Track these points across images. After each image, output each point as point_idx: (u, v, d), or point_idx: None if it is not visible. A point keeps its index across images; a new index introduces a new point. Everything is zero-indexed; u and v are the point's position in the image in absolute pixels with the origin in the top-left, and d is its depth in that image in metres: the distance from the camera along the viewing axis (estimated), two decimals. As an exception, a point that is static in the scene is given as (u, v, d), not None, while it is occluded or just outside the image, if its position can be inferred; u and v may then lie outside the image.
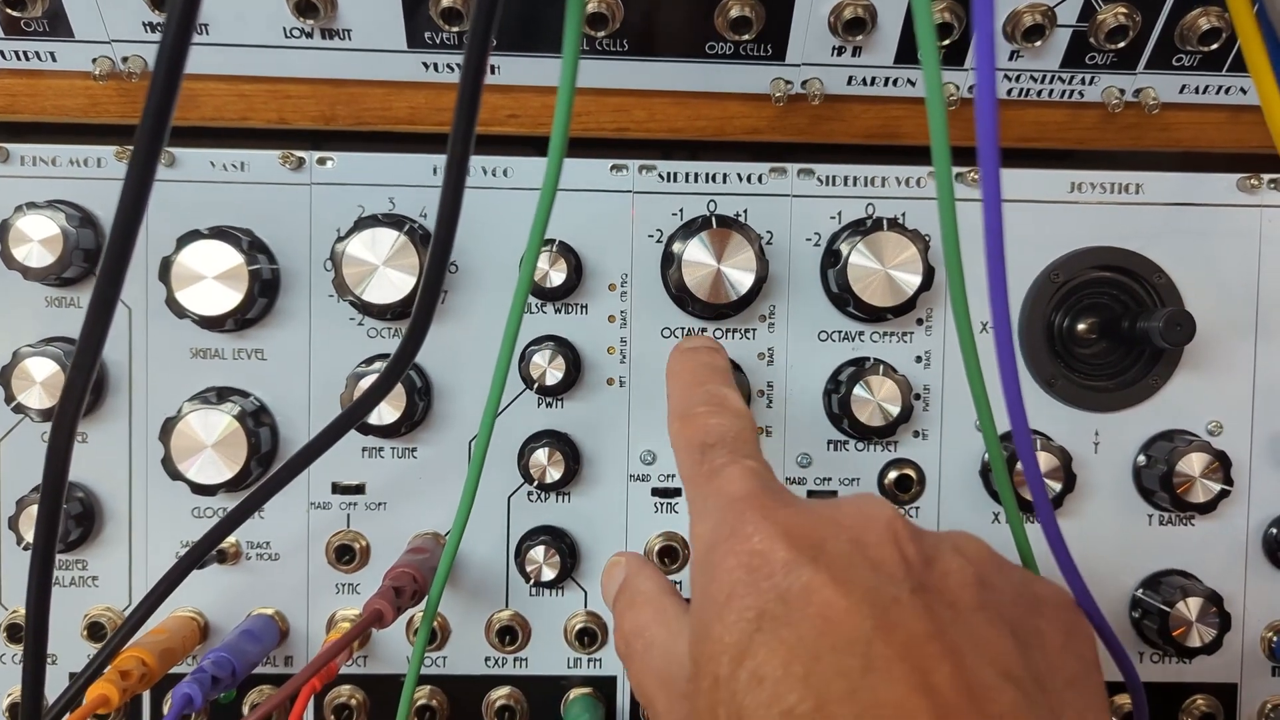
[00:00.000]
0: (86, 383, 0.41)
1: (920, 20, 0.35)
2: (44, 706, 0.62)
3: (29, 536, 0.64)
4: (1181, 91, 0.65)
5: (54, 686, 0.67)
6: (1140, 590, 0.69)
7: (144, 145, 0.35)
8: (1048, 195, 0.67)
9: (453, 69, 0.64)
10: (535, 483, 0.65)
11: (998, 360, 0.40)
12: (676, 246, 0.64)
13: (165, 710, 0.66)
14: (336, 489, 0.67)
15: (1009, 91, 0.65)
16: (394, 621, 0.57)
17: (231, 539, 0.67)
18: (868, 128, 0.67)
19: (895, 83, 0.65)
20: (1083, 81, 0.64)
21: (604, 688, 0.69)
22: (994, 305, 0.38)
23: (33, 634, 0.47)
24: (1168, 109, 0.66)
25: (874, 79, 0.64)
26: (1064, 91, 0.65)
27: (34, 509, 0.64)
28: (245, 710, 0.68)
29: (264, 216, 0.66)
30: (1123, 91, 0.64)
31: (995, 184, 0.36)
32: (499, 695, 0.68)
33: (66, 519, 0.64)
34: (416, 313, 0.46)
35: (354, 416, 0.52)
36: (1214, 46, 0.62)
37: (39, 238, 0.62)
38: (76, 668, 0.67)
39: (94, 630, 0.66)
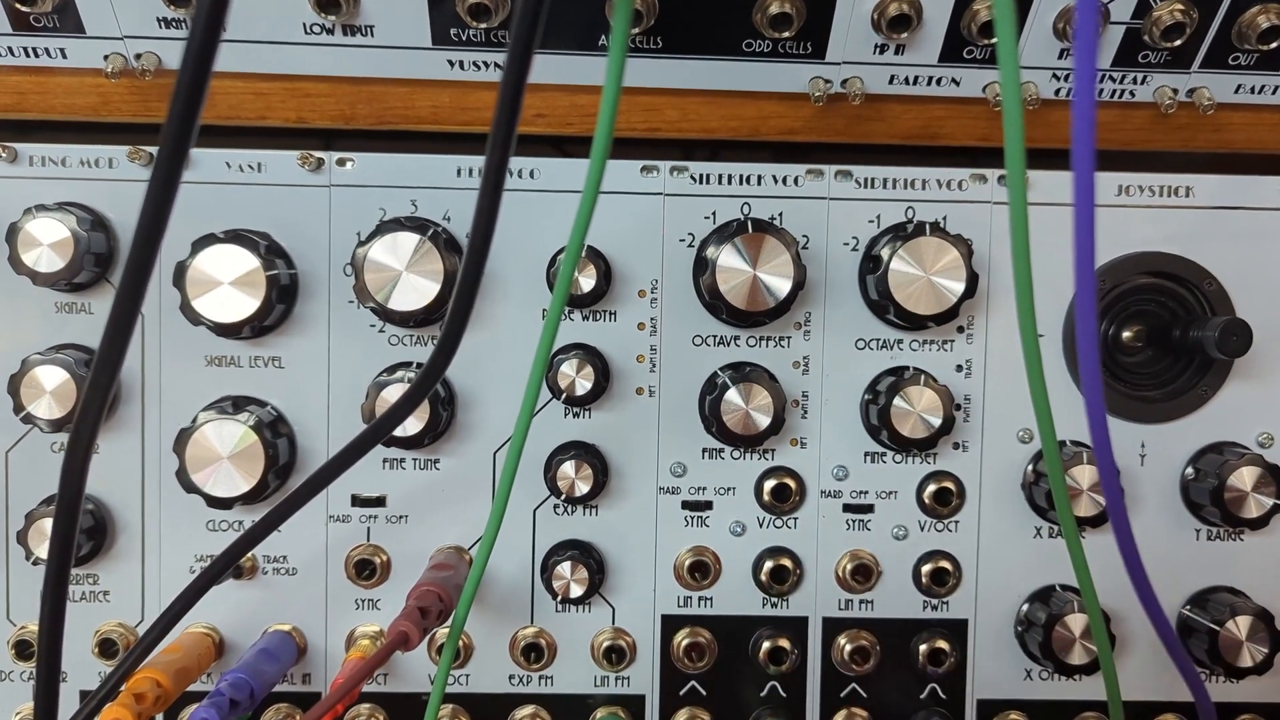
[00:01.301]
0: (103, 404, 0.39)
1: (1001, 21, 0.33)
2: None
3: (38, 551, 0.62)
4: (1236, 91, 0.63)
5: (65, 705, 0.65)
6: (1187, 608, 0.66)
7: (168, 151, 0.33)
8: (1095, 198, 0.65)
9: (479, 67, 0.61)
10: (563, 496, 0.63)
11: (1081, 372, 0.38)
12: (710, 251, 0.61)
13: (180, 732, 0.64)
14: (356, 501, 0.65)
15: (1056, 91, 0.63)
16: (420, 644, 0.54)
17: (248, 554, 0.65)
18: (909, 129, 0.64)
19: (939, 82, 0.62)
20: (1134, 81, 0.62)
21: (632, 706, 0.67)
22: (1081, 314, 0.36)
23: (45, 657, 0.45)
24: (1221, 109, 0.63)
25: (917, 78, 0.62)
26: (1115, 91, 0.63)
27: (44, 523, 0.62)
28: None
29: (282, 219, 0.63)
30: (1176, 91, 0.62)
31: (1089, 185, 0.33)
32: (523, 714, 0.66)
33: (78, 532, 0.62)
34: (449, 324, 0.44)
35: (380, 431, 0.50)
36: (1274, 45, 0.59)
37: (49, 241, 0.60)
38: (87, 685, 0.65)
39: (105, 647, 0.64)
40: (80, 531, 0.62)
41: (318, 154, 0.63)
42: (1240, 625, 0.64)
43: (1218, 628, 0.64)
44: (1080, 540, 0.47)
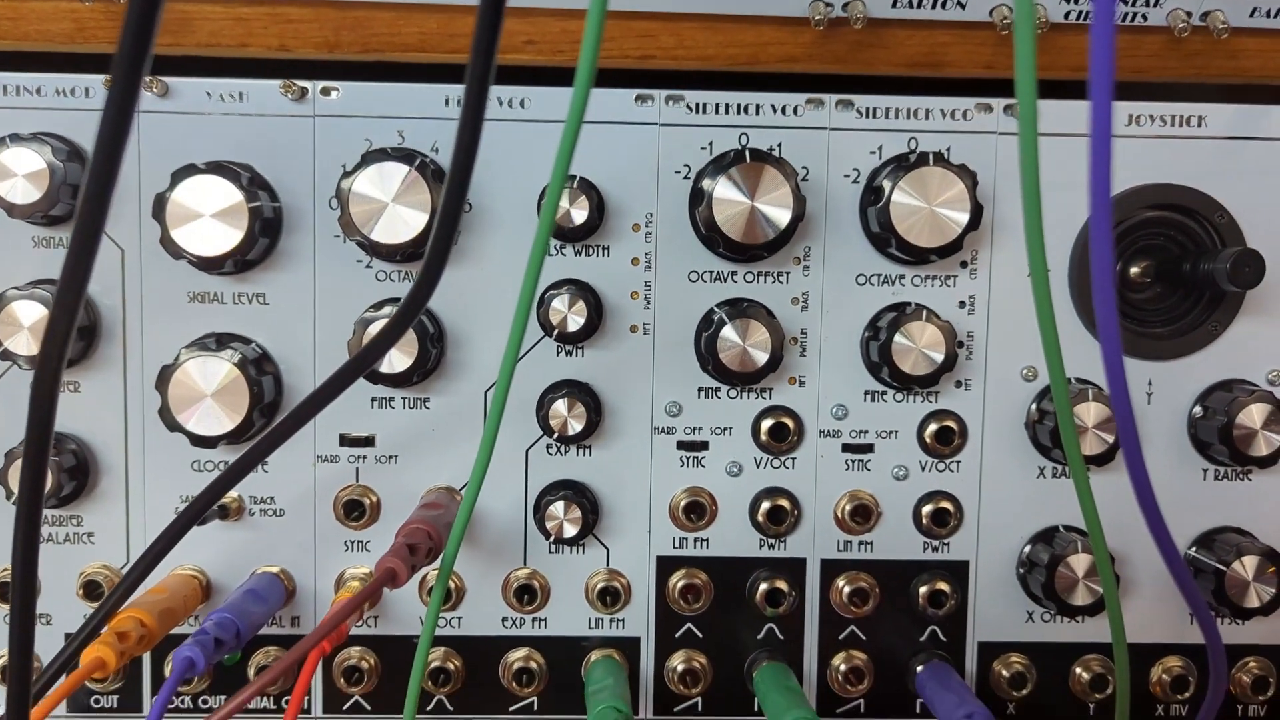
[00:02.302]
0: (73, 314, 0.37)
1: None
2: (36, 669, 0.60)
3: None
4: (1252, 15, 0.60)
5: (49, 648, 0.64)
6: (1193, 549, 0.65)
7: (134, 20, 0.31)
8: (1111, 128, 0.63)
9: (466, -11, 0.59)
10: (555, 435, 0.62)
11: (1097, 307, 0.36)
12: (706, 183, 0.60)
13: (166, 674, 0.63)
14: (345, 441, 0.64)
15: (1066, 15, 0.60)
16: (408, 581, 0.53)
17: (234, 494, 0.63)
18: (912, 56, 0.62)
19: (943, 5, 0.60)
20: (1147, 3, 0.60)
21: (627, 649, 0.66)
22: (1095, 246, 0.34)
23: (19, 589, 0.44)
24: (1236, 35, 0.61)
25: (920, 1, 0.60)
26: (1126, 15, 0.60)
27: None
28: (251, 674, 0.65)
29: (265, 151, 0.61)
30: (1189, 14, 0.60)
31: (1107, 109, 0.32)
32: (517, 657, 0.65)
33: (59, 472, 0.61)
34: (431, 251, 0.42)
35: (364, 363, 0.49)
36: (1291, -36, 0.57)
37: (24, 172, 0.58)
38: (72, 628, 0.63)
39: (90, 589, 0.63)
40: (62, 471, 0.61)
41: (301, 83, 0.61)
42: (1247, 565, 0.62)
43: (1224, 568, 0.63)
44: (1088, 478, 0.45)
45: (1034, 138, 0.36)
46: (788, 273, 0.63)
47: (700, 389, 0.64)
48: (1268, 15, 0.60)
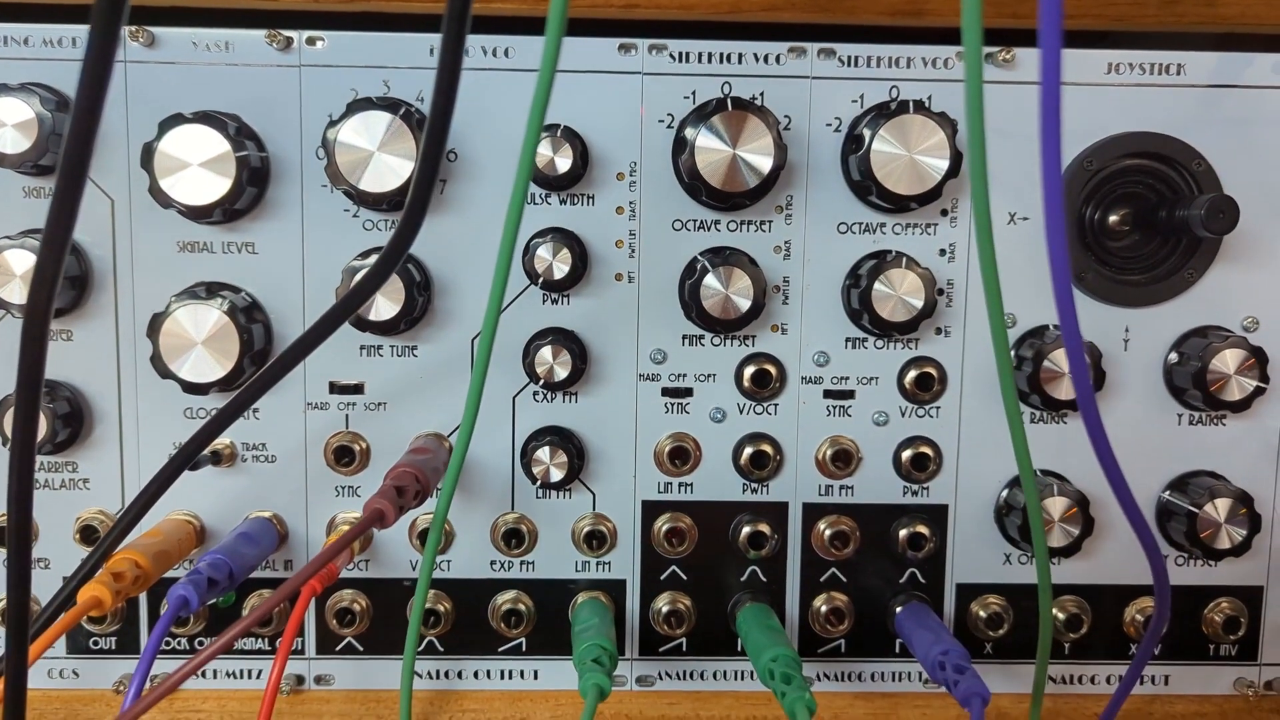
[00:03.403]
0: (60, 258, 0.38)
1: None
2: (35, 611, 0.61)
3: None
4: (1231, -40, 0.61)
5: (47, 591, 0.65)
6: (1167, 493, 0.66)
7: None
8: (1083, 77, 0.63)
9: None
10: (541, 382, 0.63)
11: (1049, 249, 0.37)
12: (689, 132, 0.60)
13: (161, 613, 0.65)
14: (334, 389, 0.65)
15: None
16: (396, 522, 0.54)
17: (226, 440, 0.64)
18: (893, 4, 0.62)
19: (924, -48, 0.60)
20: (1125, -50, 0.60)
21: (613, 591, 0.67)
22: (1047, 190, 0.35)
23: (15, 529, 0.45)
24: (1215, -19, 0.61)
25: (901, -52, 0.60)
26: (1105, -38, 0.61)
27: (19, 408, 0.61)
28: (245, 614, 0.66)
29: (251, 101, 0.62)
30: (1168, -39, 0.60)
31: (1056, 56, 0.32)
32: (505, 599, 0.67)
33: (54, 419, 0.62)
34: (413, 193, 0.43)
35: (350, 306, 0.49)
36: (1270, -91, 0.57)
37: (12, 122, 0.59)
38: (70, 572, 0.65)
39: (86, 534, 0.64)
40: (57, 418, 0.62)
41: (287, 32, 0.61)
42: (1219, 507, 0.64)
43: (1197, 510, 0.64)
44: (1023, 427, 0.45)
45: (979, 88, 0.37)
46: (770, 221, 0.64)
47: (684, 336, 0.65)
48: (1246, -38, 0.61)
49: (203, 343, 0.60)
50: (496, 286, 0.48)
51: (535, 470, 0.63)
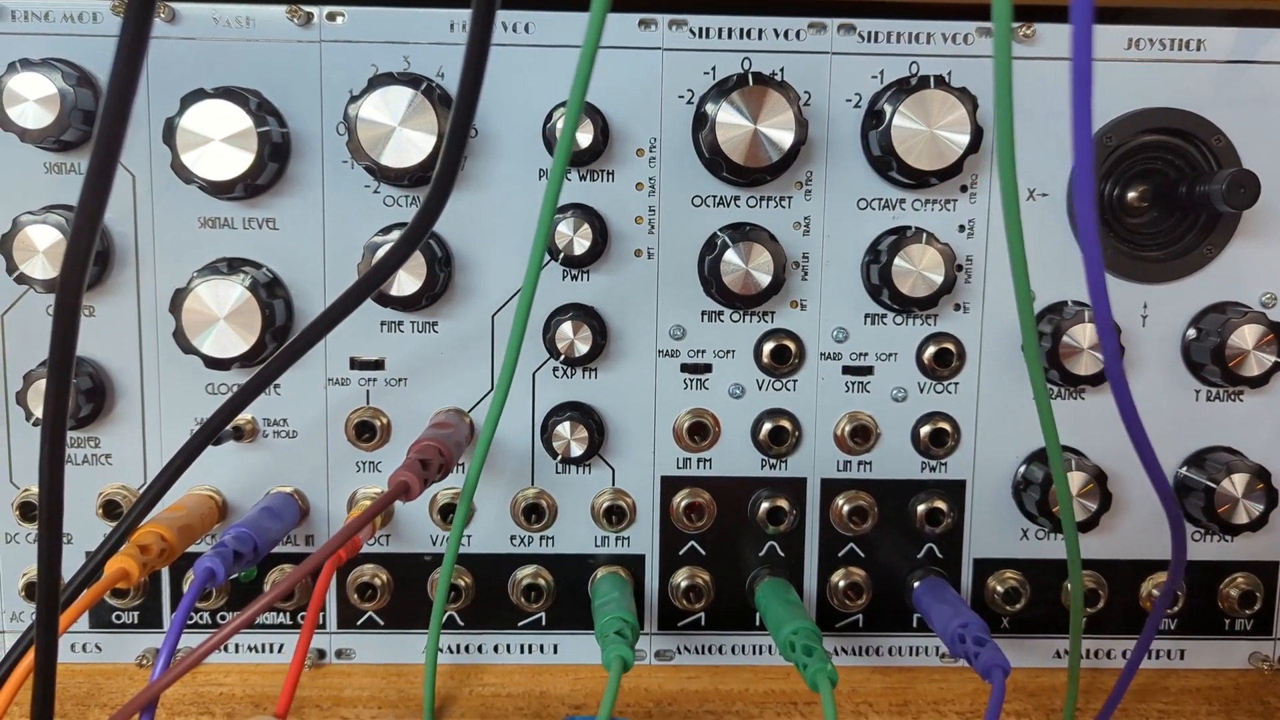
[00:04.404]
0: (92, 237, 0.38)
1: None
2: (61, 584, 0.61)
3: (38, 411, 0.62)
4: (1253, -65, 0.61)
5: (71, 565, 0.65)
6: (1185, 468, 0.67)
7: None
8: (1102, 53, 0.63)
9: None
10: (561, 357, 0.63)
11: (1079, 226, 0.37)
12: (709, 107, 0.60)
13: (185, 587, 0.65)
14: (355, 364, 0.65)
15: (1067, -63, 0.60)
16: (420, 495, 0.55)
17: (248, 415, 0.65)
18: (914, -23, 0.63)
19: (946, -73, 0.60)
20: (1147, -77, 0.60)
21: (632, 566, 0.68)
22: (1079, 162, 0.35)
23: (47, 505, 0.45)
24: (1236, -44, 0.61)
25: (923, -77, 0.60)
26: (1126, -65, 0.61)
27: (42, 383, 0.61)
28: (267, 589, 0.66)
29: (272, 76, 0.62)
30: (1190, -65, 0.60)
31: (1087, 32, 0.32)
32: (525, 574, 0.67)
33: (77, 394, 0.62)
34: (439, 171, 0.43)
35: (372, 282, 0.50)
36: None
37: (35, 97, 0.59)
38: (93, 547, 0.65)
39: (109, 509, 0.64)
40: (80, 394, 0.62)
41: (307, 8, 0.61)
42: (1236, 483, 0.64)
43: (1214, 485, 0.64)
44: (1049, 401, 0.45)
45: (1007, 49, 0.37)
46: (790, 197, 0.64)
47: (703, 312, 0.65)
48: (1268, -63, 0.61)
49: (225, 318, 0.60)
50: (532, 269, 0.48)
51: (555, 445, 0.64)
